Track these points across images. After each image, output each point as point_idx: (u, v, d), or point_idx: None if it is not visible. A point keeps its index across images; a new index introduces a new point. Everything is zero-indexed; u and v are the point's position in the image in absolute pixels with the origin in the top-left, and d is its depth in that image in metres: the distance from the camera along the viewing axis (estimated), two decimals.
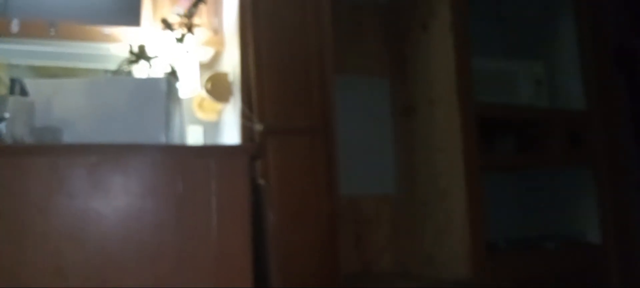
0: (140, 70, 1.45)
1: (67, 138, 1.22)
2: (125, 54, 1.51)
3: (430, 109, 1.90)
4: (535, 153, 1.97)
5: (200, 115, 1.81)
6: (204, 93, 1.70)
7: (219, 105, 1.77)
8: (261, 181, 1.28)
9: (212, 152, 1.19)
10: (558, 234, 2.01)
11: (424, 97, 1.94)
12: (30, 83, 1.27)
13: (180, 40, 1.40)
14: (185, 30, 1.40)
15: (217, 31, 1.81)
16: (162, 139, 1.22)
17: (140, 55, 1.34)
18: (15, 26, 1.66)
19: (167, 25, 1.39)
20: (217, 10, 1.84)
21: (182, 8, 1.52)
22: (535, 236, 2.04)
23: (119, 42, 1.69)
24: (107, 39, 1.70)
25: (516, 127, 2.00)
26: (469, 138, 1.75)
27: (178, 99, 1.36)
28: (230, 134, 1.74)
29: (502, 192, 2.17)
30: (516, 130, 2.02)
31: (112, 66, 1.65)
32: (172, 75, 1.37)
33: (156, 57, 1.38)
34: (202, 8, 1.73)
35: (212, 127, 1.88)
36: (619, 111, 2.04)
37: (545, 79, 2.04)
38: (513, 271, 1.76)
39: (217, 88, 1.67)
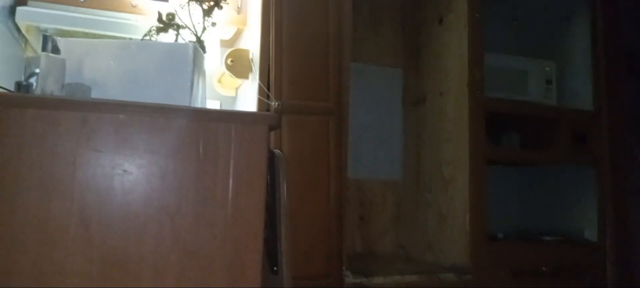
0: (167, 40, 1.51)
1: (96, 97, 1.28)
2: (152, 25, 1.57)
3: (441, 100, 1.96)
4: (540, 150, 2.02)
5: (219, 89, 1.87)
6: (224, 68, 1.76)
7: (238, 81, 1.84)
8: (277, 151, 1.33)
9: (233, 118, 1.24)
10: (556, 229, 2.07)
11: (435, 88, 2.00)
12: (62, 42, 1.32)
13: (207, 12, 1.46)
14: (212, 2, 1.46)
15: (239, 10, 1.87)
16: (186, 104, 1.28)
17: (168, 24, 1.40)
18: None
19: None
20: None
21: None
22: (534, 229, 2.10)
23: (145, 15, 1.75)
24: (135, 10, 1.77)
25: (523, 123, 2.05)
26: (476, 130, 1.81)
27: (202, 69, 1.42)
28: (247, 110, 1.80)
29: (506, 185, 2.22)
30: (523, 127, 2.07)
31: (138, 37, 1.71)
32: (199, 44, 1.43)
33: (184, 26, 1.44)
34: None
35: (230, 101, 1.94)
36: (626, 114, 2.08)
37: (555, 79, 2.09)
38: (510, 261, 1.82)
39: (237, 64, 1.73)
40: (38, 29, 1.78)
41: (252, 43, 1.79)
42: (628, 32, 2.15)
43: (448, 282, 1.71)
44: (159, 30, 1.41)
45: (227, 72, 1.76)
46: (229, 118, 1.23)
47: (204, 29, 1.47)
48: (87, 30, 1.75)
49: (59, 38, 1.37)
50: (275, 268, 1.25)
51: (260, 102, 1.65)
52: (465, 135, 1.81)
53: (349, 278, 1.62)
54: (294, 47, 1.70)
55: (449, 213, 1.86)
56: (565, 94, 2.13)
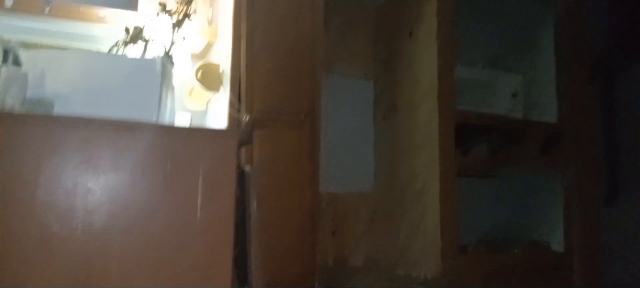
0: (135, 53, 1.48)
1: (59, 111, 1.24)
2: (120, 37, 1.54)
3: (411, 112, 1.98)
4: (508, 161, 2.06)
5: (189, 103, 1.84)
6: (194, 82, 1.74)
7: (208, 95, 1.81)
8: (247, 167, 1.32)
9: (201, 134, 1.23)
10: (525, 239, 2.11)
11: (406, 100, 2.02)
12: (25, 54, 1.28)
13: (177, 24, 1.44)
14: (182, 15, 1.44)
15: (211, 22, 1.86)
16: (154, 119, 1.25)
17: (136, 36, 1.38)
18: (8, 1, 1.67)
19: (165, 9, 1.43)
20: (212, 2, 1.88)
21: None
22: (504, 240, 2.13)
23: (113, 26, 1.72)
24: (102, 20, 1.72)
25: (491, 135, 2.09)
26: (446, 142, 1.83)
27: (171, 83, 1.40)
28: (217, 124, 1.77)
29: (477, 197, 2.25)
30: (491, 139, 2.11)
31: (105, 48, 1.67)
32: (167, 58, 1.41)
33: (152, 40, 1.41)
34: None
35: (200, 115, 1.92)
36: (590, 125, 2.14)
37: (523, 91, 2.14)
38: (479, 272, 1.84)
39: (207, 77, 1.71)
40: (0, 40, 1.72)
41: (223, 56, 1.77)
42: (593, 43, 2.22)
43: None
44: (127, 43, 1.38)
45: (198, 86, 1.74)
46: (197, 134, 1.23)
47: (173, 42, 1.45)
48: (51, 42, 1.70)
49: (21, 50, 1.34)
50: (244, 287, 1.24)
51: (230, 116, 1.63)
52: (435, 147, 1.83)
53: None
54: (265, 60, 1.68)
55: (420, 225, 1.88)
56: (531, 106, 2.18)
